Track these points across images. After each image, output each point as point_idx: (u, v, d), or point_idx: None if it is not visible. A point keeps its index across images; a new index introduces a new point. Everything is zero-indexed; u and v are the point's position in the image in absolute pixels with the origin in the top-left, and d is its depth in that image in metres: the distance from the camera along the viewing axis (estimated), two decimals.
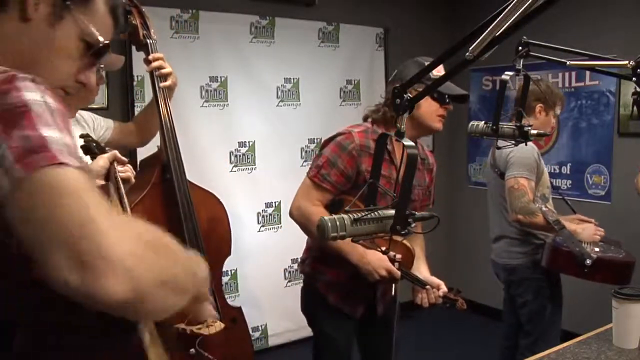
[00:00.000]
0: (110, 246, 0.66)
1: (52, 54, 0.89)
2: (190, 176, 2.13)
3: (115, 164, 1.64)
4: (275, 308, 4.06)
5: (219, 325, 1.90)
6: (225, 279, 3.81)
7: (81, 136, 1.72)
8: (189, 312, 0.97)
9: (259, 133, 3.99)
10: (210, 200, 2.25)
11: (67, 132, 0.74)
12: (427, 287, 2.19)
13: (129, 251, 0.68)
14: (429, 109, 2.11)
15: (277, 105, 4.08)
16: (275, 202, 4.08)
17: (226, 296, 2.55)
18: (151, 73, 2.06)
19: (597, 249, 2.62)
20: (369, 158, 2.10)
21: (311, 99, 4.19)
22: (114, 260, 0.66)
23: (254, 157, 4.00)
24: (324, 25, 4.23)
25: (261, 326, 4.06)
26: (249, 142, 3.97)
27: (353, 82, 4.40)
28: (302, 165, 4.14)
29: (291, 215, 2.21)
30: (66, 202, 0.67)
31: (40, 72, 0.80)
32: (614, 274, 2.56)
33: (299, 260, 2.42)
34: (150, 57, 2.04)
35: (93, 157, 1.64)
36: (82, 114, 2.10)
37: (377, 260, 2.07)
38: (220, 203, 2.29)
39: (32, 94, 0.74)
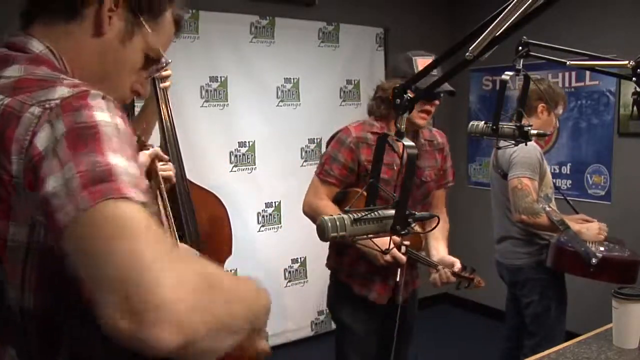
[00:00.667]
0: (165, 295, 0.63)
1: (119, 68, 0.90)
2: (190, 176, 2.13)
3: (157, 162, 1.63)
4: (275, 308, 4.01)
5: None
6: None
7: None
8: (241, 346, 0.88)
9: (259, 133, 3.99)
10: (211, 200, 2.25)
11: (133, 157, 0.73)
12: (439, 267, 2.24)
13: (183, 299, 0.65)
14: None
15: (277, 105, 4.08)
16: (275, 202, 4.08)
17: None
18: None
19: (602, 248, 2.62)
20: (367, 149, 2.24)
21: (311, 99, 4.18)
22: (167, 310, 0.63)
23: (254, 157, 4.00)
24: (324, 25, 4.23)
25: None
26: (249, 142, 3.97)
27: (353, 82, 4.40)
28: (302, 165, 4.14)
29: (303, 212, 2.35)
30: (125, 244, 0.65)
31: (106, 85, 0.80)
32: (620, 273, 2.55)
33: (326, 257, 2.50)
34: None
35: None
36: None
37: (382, 245, 2.09)
38: (221, 203, 2.29)
39: (103, 115, 0.73)
